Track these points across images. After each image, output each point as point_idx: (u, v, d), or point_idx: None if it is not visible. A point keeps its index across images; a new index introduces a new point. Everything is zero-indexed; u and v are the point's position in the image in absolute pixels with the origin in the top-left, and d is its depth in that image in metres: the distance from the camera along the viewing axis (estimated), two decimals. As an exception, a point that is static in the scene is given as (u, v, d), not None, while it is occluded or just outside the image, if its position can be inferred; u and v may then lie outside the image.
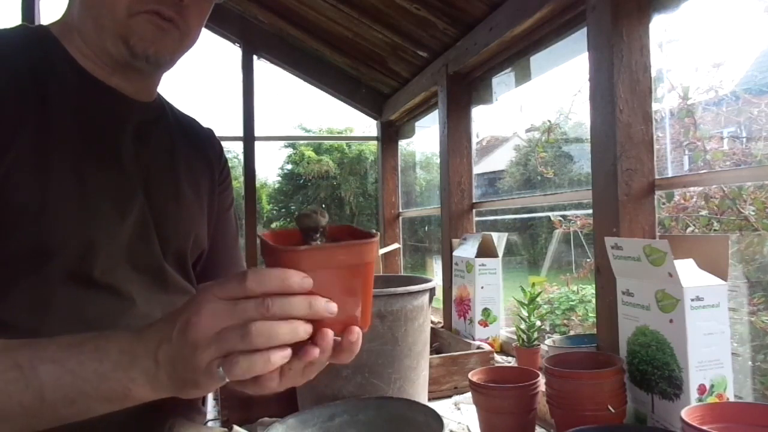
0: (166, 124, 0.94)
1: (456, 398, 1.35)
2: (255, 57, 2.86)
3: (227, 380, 0.51)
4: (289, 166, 11.99)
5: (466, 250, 1.86)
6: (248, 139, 2.91)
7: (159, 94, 0.95)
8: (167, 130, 0.94)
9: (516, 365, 1.48)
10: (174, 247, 0.90)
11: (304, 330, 0.51)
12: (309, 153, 11.50)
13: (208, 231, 1.00)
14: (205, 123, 1.07)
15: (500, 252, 1.79)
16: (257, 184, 3.05)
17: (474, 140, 2.08)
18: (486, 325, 1.76)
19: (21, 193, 0.71)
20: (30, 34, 0.81)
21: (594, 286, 1.26)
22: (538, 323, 1.52)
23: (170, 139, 0.93)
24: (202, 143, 1.02)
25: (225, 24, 2.75)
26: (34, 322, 0.72)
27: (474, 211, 2.07)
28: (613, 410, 0.94)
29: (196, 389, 0.54)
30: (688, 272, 0.93)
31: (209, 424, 1.16)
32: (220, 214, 1.04)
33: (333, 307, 0.51)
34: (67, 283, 0.75)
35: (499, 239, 1.79)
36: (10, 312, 0.72)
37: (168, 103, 0.98)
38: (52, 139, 0.75)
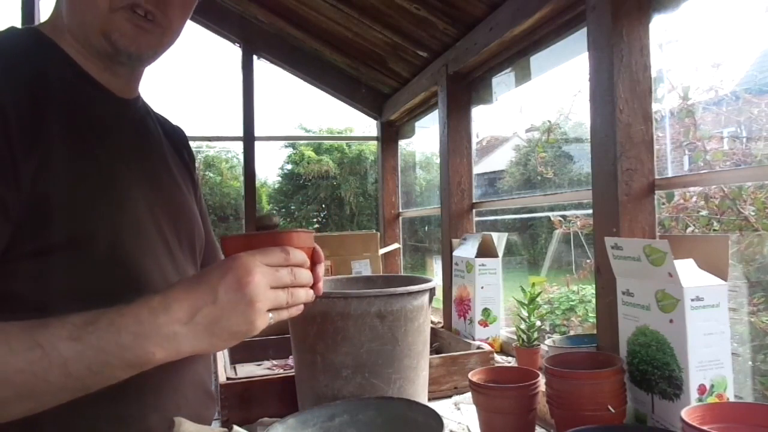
0: (154, 122, 0.98)
1: (456, 398, 1.35)
2: (255, 57, 2.86)
3: (272, 323, 0.70)
4: (289, 166, 11.96)
5: (466, 250, 1.86)
6: (248, 139, 2.91)
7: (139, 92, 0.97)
8: (155, 128, 0.97)
9: (516, 365, 1.48)
10: (185, 237, 0.93)
11: (308, 294, 0.74)
12: (309, 153, 11.47)
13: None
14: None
15: (500, 252, 1.79)
16: (257, 184, 3.04)
17: (474, 140, 2.08)
18: (486, 325, 1.76)
19: (53, 187, 0.72)
20: (27, 37, 0.82)
21: (594, 286, 1.26)
22: (538, 323, 1.52)
23: (159, 136, 0.97)
24: (178, 140, 1.05)
25: (225, 24, 2.75)
26: (72, 307, 0.73)
27: (474, 211, 2.07)
28: (613, 410, 0.94)
29: (246, 335, 0.67)
30: (688, 272, 0.93)
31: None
32: (200, 209, 1.06)
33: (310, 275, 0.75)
34: (97, 272, 0.76)
35: (499, 239, 1.79)
36: (49, 296, 0.73)
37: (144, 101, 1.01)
38: (65, 137, 0.76)
